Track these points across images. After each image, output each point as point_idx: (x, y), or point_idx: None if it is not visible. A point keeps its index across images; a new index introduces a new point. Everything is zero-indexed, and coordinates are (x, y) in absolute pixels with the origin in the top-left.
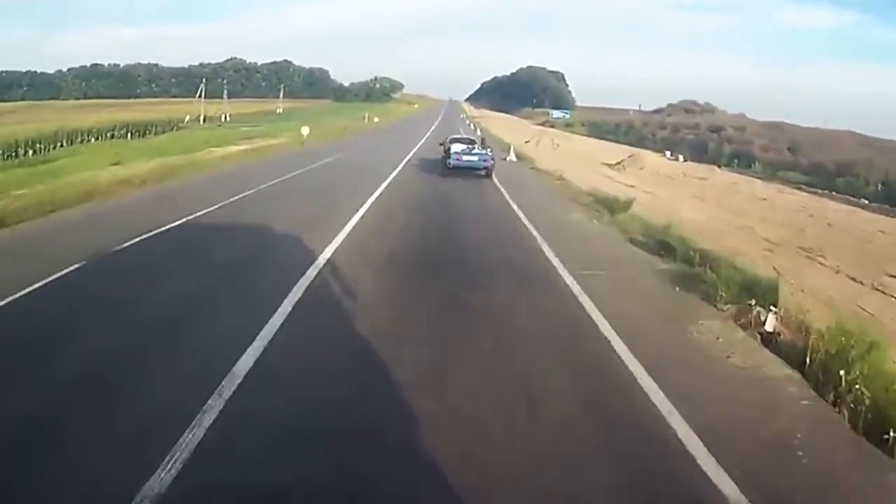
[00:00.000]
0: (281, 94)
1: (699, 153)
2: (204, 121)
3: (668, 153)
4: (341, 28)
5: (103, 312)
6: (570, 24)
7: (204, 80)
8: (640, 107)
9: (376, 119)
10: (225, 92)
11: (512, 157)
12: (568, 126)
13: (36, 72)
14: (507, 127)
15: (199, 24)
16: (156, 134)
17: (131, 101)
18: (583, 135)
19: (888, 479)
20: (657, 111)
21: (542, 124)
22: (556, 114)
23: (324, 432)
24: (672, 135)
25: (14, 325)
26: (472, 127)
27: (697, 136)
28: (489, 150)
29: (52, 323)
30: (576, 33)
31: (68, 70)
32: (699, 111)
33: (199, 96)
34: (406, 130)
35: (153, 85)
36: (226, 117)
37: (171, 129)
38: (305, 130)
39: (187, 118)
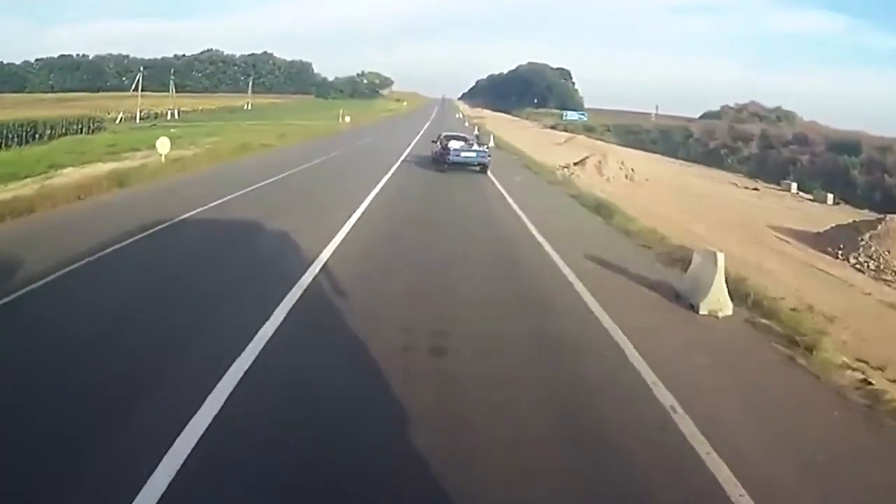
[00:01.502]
0: (250, 89)
1: (833, 186)
2: (140, 119)
3: (793, 186)
4: (328, 21)
5: None
6: (571, 20)
7: (142, 68)
8: (657, 109)
9: (347, 119)
10: (172, 85)
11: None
12: (589, 131)
13: (2, 62)
14: (520, 133)
15: (178, 17)
16: (51, 138)
17: (98, 94)
18: (612, 143)
19: None
20: (706, 115)
21: (554, 127)
22: (571, 115)
23: None
24: (765, 152)
25: None
26: (476, 133)
27: (814, 157)
28: (485, 146)
29: None
30: (576, 30)
31: (36, 61)
32: (772, 118)
33: (136, 89)
34: (373, 147)
35: (123, 78)
36: (172, 114)
37: (83, 130)
38: (163, 146)
39: (121, 115)
